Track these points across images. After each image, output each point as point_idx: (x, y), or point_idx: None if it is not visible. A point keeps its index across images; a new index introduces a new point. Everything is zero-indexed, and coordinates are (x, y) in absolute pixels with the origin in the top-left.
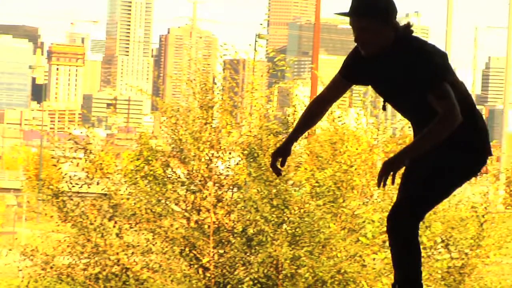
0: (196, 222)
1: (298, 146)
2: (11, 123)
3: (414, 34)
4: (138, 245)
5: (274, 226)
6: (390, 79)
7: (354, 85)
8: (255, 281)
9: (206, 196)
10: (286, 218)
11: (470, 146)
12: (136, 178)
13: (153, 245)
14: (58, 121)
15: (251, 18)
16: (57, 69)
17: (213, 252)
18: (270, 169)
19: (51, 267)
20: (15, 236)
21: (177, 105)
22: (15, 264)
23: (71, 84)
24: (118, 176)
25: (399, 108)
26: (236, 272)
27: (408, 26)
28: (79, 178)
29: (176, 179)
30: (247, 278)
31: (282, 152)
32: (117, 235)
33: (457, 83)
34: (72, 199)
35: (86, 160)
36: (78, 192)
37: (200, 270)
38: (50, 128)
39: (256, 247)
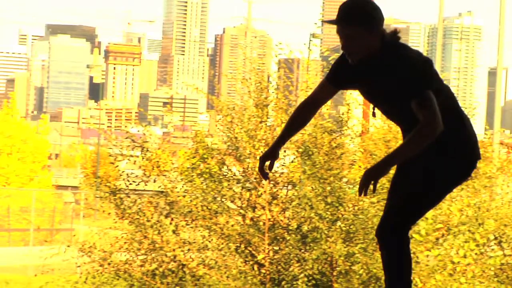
0: (252, 219)
1: (352, 145)
2: (69, 121)
3: (400, 41)
4: (194, 242)
5: (329, 223)
6: (376, 86)
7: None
8: (310, 278)
9: (261, 194)
10: (340, 215)
11: (457, 152)
12: (192, 175)
13: (209, 241)
14: (115, 119)
15: (305, 18)
16: (114, 68)
17: (268, 248)
18: (258, 172)
19: (109, 264)
20: (73, 233)
21: (232, 103)
22: (73, 261)
23: (128, 83)
24: (174, 174)
25: (387, 113)
26: (291, 269)
27: (395, 33)
28: (136, 176)
29: (231, 176)
30: (302, 275)
31: (270, 156)
32: (173, 232)
33: (442, 89)
34: (129, 197)
35: (143, 158)
36: (135, 190)
37: (255, 267)
38: (107, 126)
39: (311, 244)
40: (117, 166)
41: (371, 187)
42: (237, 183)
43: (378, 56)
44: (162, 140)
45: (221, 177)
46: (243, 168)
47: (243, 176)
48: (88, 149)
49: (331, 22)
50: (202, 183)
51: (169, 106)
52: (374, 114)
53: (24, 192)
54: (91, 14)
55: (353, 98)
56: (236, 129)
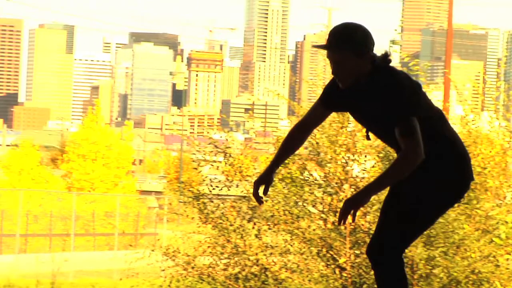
0: (333, 223)
1: None
2: (152, 127)
3: (391, 64)
4: (277, 246)
5: None
6: (365, 110)
7: (341, 112)
8: None
9: (342, 198)
10: None
11: (449, 175)
12: (274, 180)
13: (291, 245)
14: (198, 125)
15: (384, 25)
16: (197, 75)
17: (349, 252)
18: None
19: (192, 267)
20: (156, 237)
21: None
22: (157, 264)
23: (210, 90)
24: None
25: (380, 137)
26: (372, 272)
27: (385, 56)
28: (219, 181)
29: (313, 181)
30: None
31: (264, 181)
32: (256, 236)
33: (430, 114)
34: (212, 201)
35: (225, 164)
36: (218, 195)
37: (337, 270)
38: (190, 132)
39: None
40: (200, 171)
41: (351, 217)
42: (318, 187)
43: (367, 81)
44: (244, 145)
45: (302, 182)
46: (324, 173)
47: (324, 181)
48: (171, 154)
49: (321, 47)
50: (284, 187)
51: (251, 112)
52: (368, 137)
53: (109, 197)
54: (174, 22)
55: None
56: (318, 135)
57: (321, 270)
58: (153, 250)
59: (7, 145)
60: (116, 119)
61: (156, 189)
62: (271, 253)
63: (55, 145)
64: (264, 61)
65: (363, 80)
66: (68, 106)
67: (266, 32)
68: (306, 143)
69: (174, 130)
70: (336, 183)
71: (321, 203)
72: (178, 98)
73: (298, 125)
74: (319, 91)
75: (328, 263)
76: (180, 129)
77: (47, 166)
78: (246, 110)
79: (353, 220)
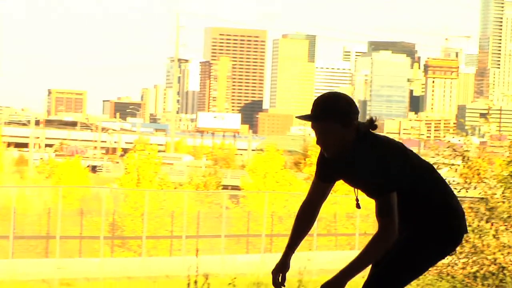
0: None
1: None
2: (390, 132)
3: (375, 132)
4: None
5: None
6: (353, 179)
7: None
8: None
9: None
10: None
11: (442, 236)
12: (511, 182)
13: None
14: (434, 129)
15: None
16: (433, 81)
17: None
18: None
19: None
20: None
21: None
22: None
23: (446, 96)
24: (493, 181)
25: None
26: None
27: (371, 122)
28: (458, 183)
29: None
30: None
31: (281, 268)
32: (493, 236)
33: (416, 180)
34: None
35: (464, 166)
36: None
37: None
38: (427, 136)
39: None
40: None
41: None
42: None
43: (350, 151)
44: (481, 149)
45: None
46: None
47: None
48: None
49: (305, 118)
50: None
51: (488, 116)
52: (358, 206)
53: (349, 199)
54: (410, 30)
55: None
56: None
57: None
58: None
59: (253, 150)
60: None
61: None
62: (508, 253)
63: (297, 149)
64: (499, 68)
65: (348, 149)
66: (309, 112)
67: (500, 39)
68: None
69: (412, 135)
70: None
71: None
72: (415, 103)
73: (304, 205)
74: None
75: None
76: (417, 133)
77: (290, 170)
78: (481, 115)
79: None
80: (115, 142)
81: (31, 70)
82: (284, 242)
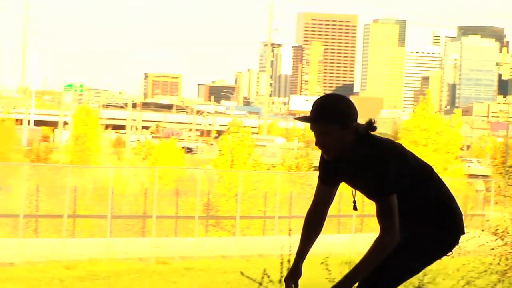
0: None
1: None
2: (479, 115)
3: (374, 133)
4: None
5: None
6: (354, 180)
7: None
8: None
9: None
10: None
11: (438, 234)
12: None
13: None
14: None
15: None
16: None
17: None
18: None
19: None
20: (485, 218)
21: None
22: (487, 244)
23: None
24: None
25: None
26: None
27: (370, 124)
28: None
29: None
30: None
31: (293, 275)
32: None
33: (416, 181)
34: None
35: None
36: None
37: None
38: None
39: None
40: None
41: None
42: None
43: (351, 153)
44: None
45: None
46: None
47: None
48: (496, 140)
49: (305, 120)
50: None
51: None
52: (355, 208)
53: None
54: (500, 15)
55: None
56: None
57: None
58: (483, 230)
59: None
60: (445, 107)
61: (483, 173)
62: None
63: (388, 132)
64: None
65: (348, 151)
66: (399, 95)
67: None
68: None
69: (500, 118)
70: None
71: None
72: (504, 87)
73: (310, 212)
74: None
75: None
76: (505, 116)
77: None
78: None
79: None
80: (209, 124)
81: (128, 53)
82: (374, 222)
